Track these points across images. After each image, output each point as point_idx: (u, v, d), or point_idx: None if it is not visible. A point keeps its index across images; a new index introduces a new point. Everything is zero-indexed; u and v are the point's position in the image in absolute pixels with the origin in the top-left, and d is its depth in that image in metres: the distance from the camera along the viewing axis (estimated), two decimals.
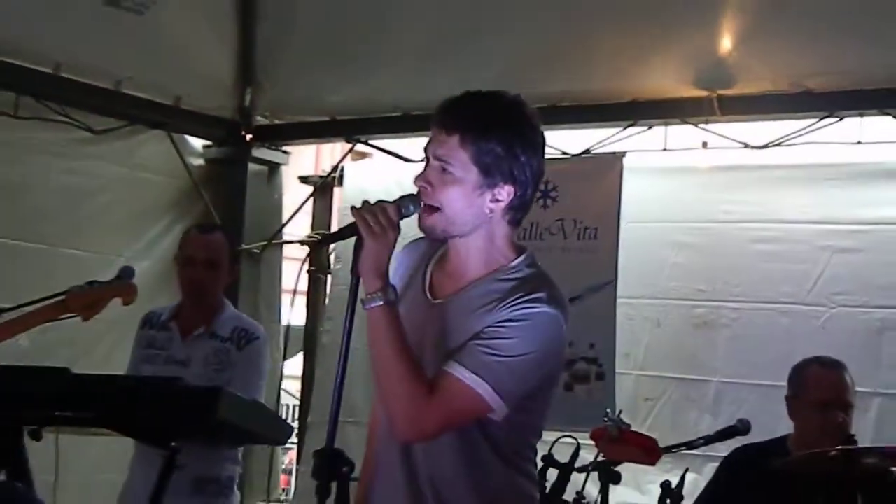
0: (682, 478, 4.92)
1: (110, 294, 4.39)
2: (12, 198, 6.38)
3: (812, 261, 6.31)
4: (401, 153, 7.20)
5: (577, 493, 4.91)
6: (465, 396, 2.87)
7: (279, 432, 5.36)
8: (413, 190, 2.99)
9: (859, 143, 6.15)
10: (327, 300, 7.69)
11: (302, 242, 7.93)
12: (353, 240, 2.92)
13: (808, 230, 6.35)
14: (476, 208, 2.97)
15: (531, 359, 2.90)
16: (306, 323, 7.88)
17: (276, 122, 7.55)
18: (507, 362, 2.87)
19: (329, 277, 7.73)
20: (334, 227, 7.70)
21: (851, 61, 5.92)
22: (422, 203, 2.96)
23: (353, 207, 2.94)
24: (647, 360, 6.59)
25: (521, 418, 2.99)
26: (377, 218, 2.89)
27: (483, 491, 3.00)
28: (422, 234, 3.09)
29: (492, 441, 2.98)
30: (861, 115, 6.07)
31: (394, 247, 2.93)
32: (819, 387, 4.84)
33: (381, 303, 2.89)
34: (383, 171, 7.34)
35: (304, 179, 7.95)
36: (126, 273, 4.52)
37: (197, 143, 7.48)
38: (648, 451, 4.96)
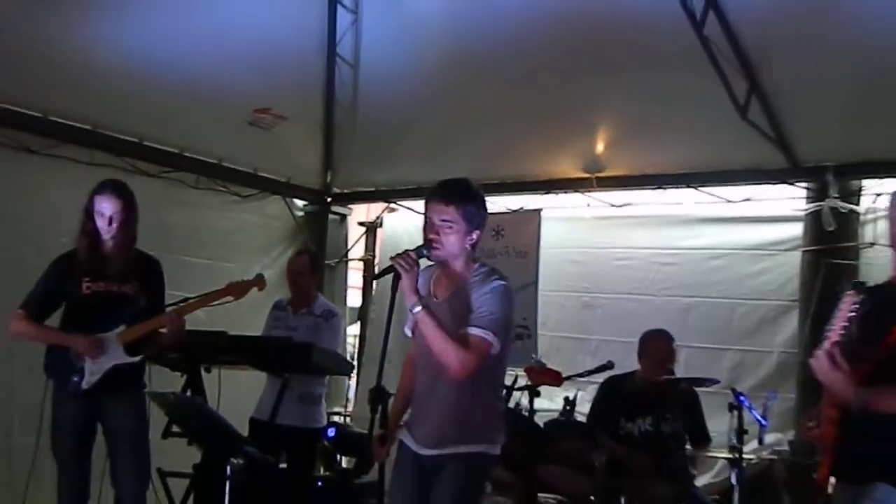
0: (576, 395, 4.92)
1: (251, 285, 4.33)
2: (193, 234, 6.27)
3: (648, 270, 6.26)
4: (416, 209, 7.08)
5: (516, 403, 4.87)
6: (483, 342, 2.88)
7: (346, 369, 5.49)
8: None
9: (678, 203, 6.16)
10: (373, 292, 7.55)
11: (359, 260, 7.80)
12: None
13: (646, 253, 6.29)
14: (461, 245, 2.99)
15: (506, 311, 2.94)
16: (361, 305, 7.77)
17: (345, 191, 7.41)
18: (494, 316, 2.90)
19: (374, 281, 7.60)
20: (377, 250, 7.60)
21: (672, 157, 5.87)
22: (432, 248, 2.97)
23: (391, 257, 2.93)
24: (556, 326, 6.49)
25: (500, 357, 2.96)
26: (406, 261, 2.89)
27: (478, 407, 2.98)
28: (429, 263, 3.10)
29: (485, 376, 2.96)
30: (676, 187, 6.05)
31: (417, 275, 2.94)
32: (656, 353, 4.80)
33: (421, 308, 2.88)
34: (406, 219, 7.23)
35: (361, 223, 7.81)
36: (260, 277, 4.46)
37: (300, 203, 7.36)
38: (556, 379, 4.92)
